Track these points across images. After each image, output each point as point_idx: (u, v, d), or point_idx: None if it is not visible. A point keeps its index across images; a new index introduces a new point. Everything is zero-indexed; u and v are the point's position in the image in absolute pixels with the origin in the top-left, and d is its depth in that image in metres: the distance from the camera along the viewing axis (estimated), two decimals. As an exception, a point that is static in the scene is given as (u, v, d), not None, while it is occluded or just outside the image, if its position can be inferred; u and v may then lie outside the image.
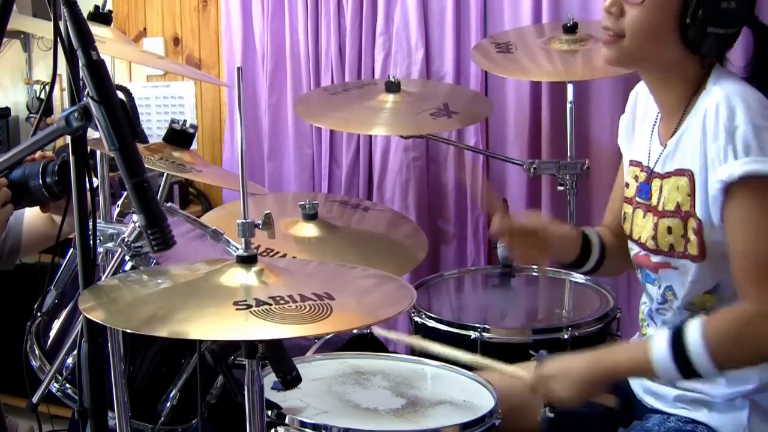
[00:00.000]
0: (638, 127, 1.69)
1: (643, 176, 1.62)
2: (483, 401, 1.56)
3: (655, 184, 1.57)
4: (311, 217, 2.27)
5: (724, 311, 1.47)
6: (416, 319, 2.11)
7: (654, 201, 1.57)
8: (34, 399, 1.66)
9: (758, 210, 1.41)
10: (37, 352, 1.81)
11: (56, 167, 1.63)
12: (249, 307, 1.17)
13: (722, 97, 1.44)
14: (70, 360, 1.73)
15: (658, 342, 1.44)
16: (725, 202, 1.42)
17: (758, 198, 1.41)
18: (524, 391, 1.68)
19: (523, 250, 1.72)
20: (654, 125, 1.63)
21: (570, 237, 1.73)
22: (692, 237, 1.49)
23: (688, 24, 1.44)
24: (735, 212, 1.42)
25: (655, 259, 1.58)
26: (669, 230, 1.52)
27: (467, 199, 2.90)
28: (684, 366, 1.41)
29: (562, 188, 2.45)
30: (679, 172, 1.51)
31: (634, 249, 1.65)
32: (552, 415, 1.66)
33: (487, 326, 2.01)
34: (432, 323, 2.08)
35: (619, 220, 1.71)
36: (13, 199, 1.66)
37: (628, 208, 1.66)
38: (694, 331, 1.41)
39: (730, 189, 1.41)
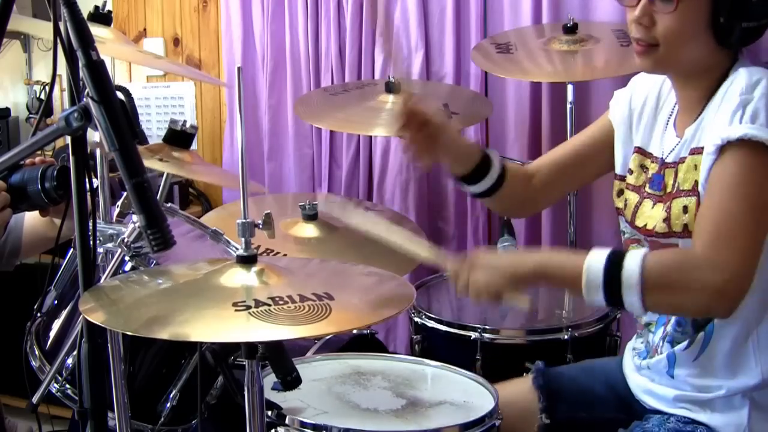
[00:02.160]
0: (647, 116, 1.67)
1: (654, 167, 1.61)
2: (483, 402, 1.56)
3: (669, 173, 1.56)
4: (311, 217, 2.27)
5: (672, 250, 1.46)
6: (416, 319, 2.11)
7: (669, 188, 1.56)
8: (34, 399, 1.66)
9: (743, 170, 1.40)
10: (37, 352, 1.81)
11: (55, 172, 1.63)
12: (248, 308, 1.17)
13: (745, 74, 1.45)
14: (70, 360, 1.73)
15: (595, 255, 1.41)
16: (716, 160, 1.42)
17: (748, 160, 1.40)
18: (522, 395, 1.69)
19: (414, 137, 1.64)
20: (670, 116, 1.62)
21: (468, 147, 1.71)
22: None
23: (722, 23, 1.44)
24: (720, 169, 1.42)
25: (665, 242, 1.55)
26: (685, 209, 1.49)
27: (467, 199, 2.90)
28: (611, 285, 1.38)
29: (562, 188, 2.45)
30: (695, 151, 1.50)
31: (632, 234, 1.63)
32: (548, 421, 1.66)
33: (486, 327, 2.01)
34: (432, 323, 2.08)
35: (555, 169, 1.73)
36: (11, 203, 1.66)
37: (632, 196, 1.64)
38: (635, 254, 1.39)
39: (724, 149, 1.41)
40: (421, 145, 1.65)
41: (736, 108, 1.41)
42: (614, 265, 1.39)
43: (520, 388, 1.74)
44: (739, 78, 1.45)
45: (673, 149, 1.57)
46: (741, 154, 1.40)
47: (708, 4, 1.45)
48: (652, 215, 1.58)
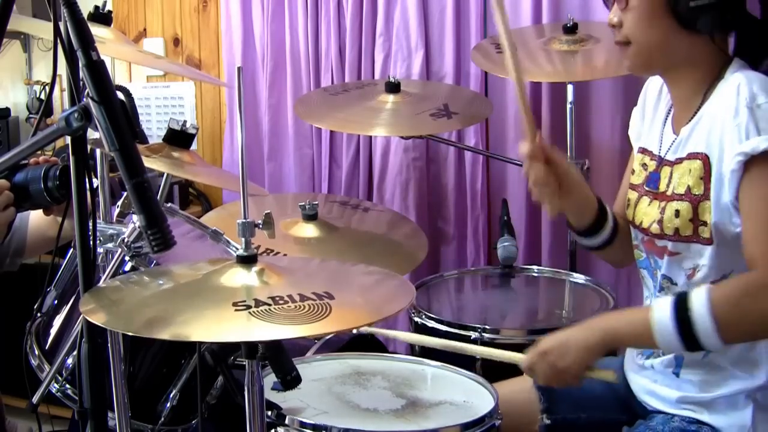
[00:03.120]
0: (648, 117, 1.70)
1: (653, 165, 1.62)
2: (483, 402, 1.56)
3: (665, 171, 1.57)
4: (311, 217, 2.27)
5: (733, 279, 1.45)
6: (416, 319, 2.11)
7: (663, 187, 1.57)
8: (34, 399, 1.66)
9: None
10: (37, 352, 1.81)
11: (58, 172, 1.64)
12: (248, 307, 1.17)
13: (743, 80, 1.45)
14: (70, 360, 1.73)
15: (660, 305, 1.41)
16: (743, 175, 1.41)
17: None
18: (523, 396, 1.69)
19: (542, 176, 1.58)
20: (667, 115, 1.63)
21: (590, 197, 1.68)
22: (709, 220, 1.47)
23: (674, 4, 1.46)
24: (754, 184, 1.41)
25: (658, 243, 1.57)
26: (677, 214, 1.51)
27: (467, 199, 2.90)
28: (686, 332, 1.37)
29: (562, 188, 2.45)
30: (692, 156, 1.50)
31: (636, 235, 1.65)
32: (549, 422, 1.66)
33: (486, 327, 2.01)
34: (432, 323, 2.08)
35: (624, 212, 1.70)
36: (15, 202, 1.66)
37: (633, 195, 1.66)
38: (699, 295, 1.38)
39: (750, 162, 1.40)
40: (549, 185, 1.59)
41: (748, 121, 1.40)
42: (682, 312, 1.38)
43: (521, 388, 1.74)
44: (741, 87, 1.44)
45: (671, 147, 1.58)
46: None
47: None
48: (648, 212, 1.59)
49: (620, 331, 1.48)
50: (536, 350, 1.51)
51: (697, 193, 1.49)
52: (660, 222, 1.54)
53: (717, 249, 1.48)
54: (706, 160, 1.48)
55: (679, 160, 1.54)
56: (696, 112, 1.53)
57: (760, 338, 1.46)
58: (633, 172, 1.69)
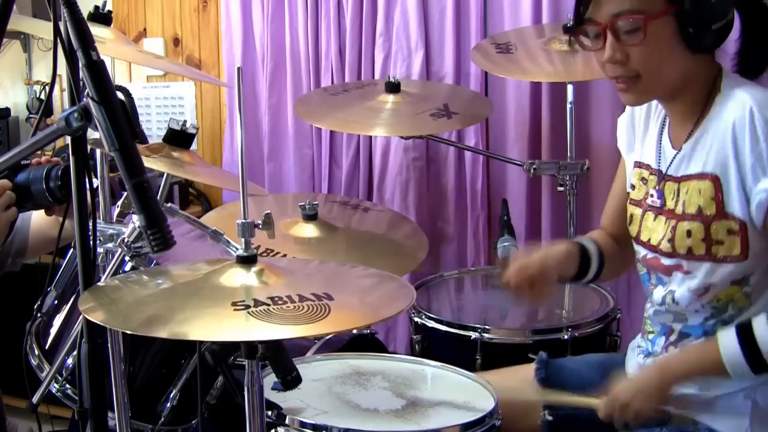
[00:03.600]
0: (640, 130, 1.68)
1: (653, 180, 1.61)
2: (483, 402, 1.56)
3: (669, 187, 1.57)
4: (311, 217, 2.27)
5: None
6: (416, 319, 2.12)
7: (670, 204, 1.56)
8: (34, 399, 1.66)
9: None
10: (36, 352, 1.81)
11: (60, 172, 1.64)
12: (247, 307, 1.17)
13: (753, 102, 1.43)
14: (70, 360, 1.73)
15: (725, 338, 1.46)
16: None
17: None
18: (525, 395, 1.69)
19: (532, 293, 1.67)
20: (663, 128, 1.62)
21: (568, 256, 1.71)
22: (725, 237, 1.48)
23: (692, 32, 1.44)
24: None
25: (666, 261, 1.57)
26: (688, 233, 1.51)
27: (467, 199, 2.90)
28: (754, 359, 1.43)
29: (562, 188, 2.45)
30: (701, 176, 1.50)
31: (641, 252, 1.64)
32: (551, 418, 1.66)
33: (486, 327, 2.01)
34: (432, 323, 2.08)
35: (618, 221, 1.71)
36: (17, 202, 1.66)
37: (636, 210, 1.65)
38: (761, 322, 1.44)
39: None
40: (542, 291, 1.66)
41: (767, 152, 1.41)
42: (748, 341, 1.43)
43: (522, 384, 1.74)
44: (746, 103, 1.43)
45: (672, 162, 1.57)
46: None
47: (673, 20, 1.44)
48: (654, 229, 1.59)
49: (693, 374, 1.52)
50: (614, 401, 1.52)
51: (708, 214, 1.48)
52: (671, 240, 1.54)
53: (749, 261, 1.49)
54: (716, 181, 1.47)
55: (686, 178, 1.53)
56: (696, 126, 1.52)
57: None
58: (633, 188, 1.67)
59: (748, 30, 1.53)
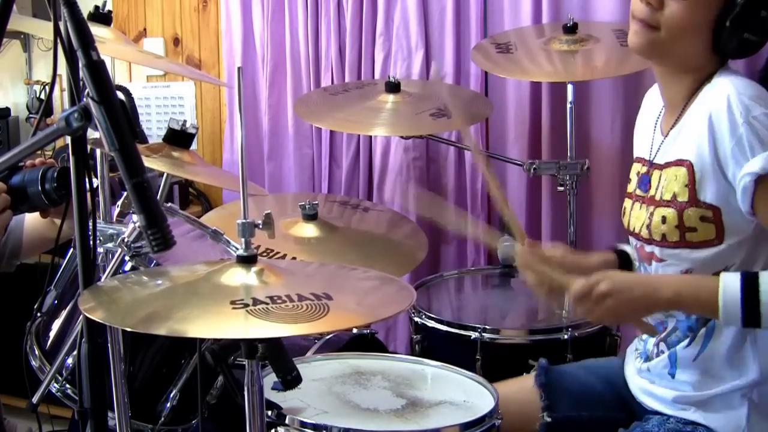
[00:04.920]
0: (642, 127, 1.71)
1: (644, 169, 1.63)
2: (483, 401, 1.56)
3: (655, 175, 1.58)
4: (311, 217, 2.27)
5: None
6: (416, 319, 2.12)
7: (652, 192, 1.58)
8: (34, 399, 1.66)
9: None
10: (37, 352, 1.81)
11: (55, 174, 1.63)
12: (246, 306, 1.17)
13: (730, 89, 1.44)
14: (70, 360, 1.73)
15: (728, 280, 1.41)
16: (757, 192, 1.42)
17: None
18: (524, 394, 1.69)
19: (543, 282, 1.58)
20: (657, 119, 1.64)
21: (607, 261, 1.69)
22: (698, 224, 1.48)
23: (727, 27, 1.45)
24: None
25: (648, 249, 1.58)
26: (663, 220, 1.52)
27: (467, 199, 2.90)
28: (750, 309, 1.39)
29: (562, 188, 2.45)
30: (678, 163, 1.51)
31: (632, 241, 1.66)
32: (550, 419, 1.66)
33: (487, 326, 2.01)
34: (432, 323, 2.08)
35: None
36: (12, 204, 1.65)
37: (628, 203, 1.67)
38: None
39: (762, 180, 1.41)
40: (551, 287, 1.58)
41: (748, 135, 1.41)
42: (750, 290, 1.40)
43: (522, 387, 1.75)
44: (732, 98, 1.44)
45: (659, 149, 1.59)
46: None
47: (719, 5, 1.45)
48: (638, 217, 1.60)
49: (685, 299, 1.46)
50: (595, 288, 1.45)
51: (681, 200, 1.50)
52: (648, 227, 1.55)
53: (724, 246, 1.48)
54: (690, 168, 1.48)
55: (667, 165, 1.55)
56: (682, 113, 1.54)
57: None
58: (630, 181, 1.69)
59: None
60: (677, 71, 1.55)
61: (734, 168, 1.43)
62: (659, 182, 1.56)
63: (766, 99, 1.44)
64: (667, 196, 1.52)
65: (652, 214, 1.55)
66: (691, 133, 1.50)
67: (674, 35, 1.49)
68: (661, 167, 1.56)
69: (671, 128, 1.56)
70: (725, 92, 1.45)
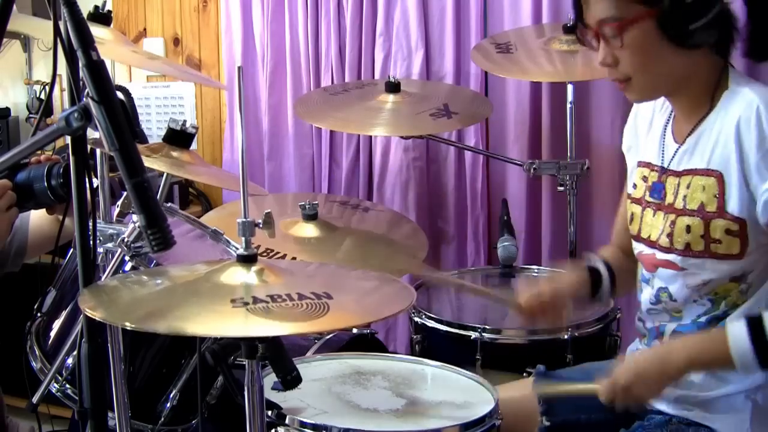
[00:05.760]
0: (643, 131, 1.69)
1: (654, 176, 1.61)
2: (483, 402, 1.56)
3: (671, 182, 1.57)
4: (311, 217, 2.27)
5: None
6: (416, 319, 2.12)
7: (670, 199, 1.56)
8: (34, 399, 1.66)
9: None
10: (37, 352, 1.81)
11: (61, 170, 1.63)
12: (246, 304, 1.18)
13: (761, 101, 1.43)
14: (70, 360, 1.73)
15: (735, 330, 1.43)
16: None
17: None
18: (523, 398, 1.69)
19: (545, 319, 1.79)
20: (667, 124, 1.62)
21: (579, 282, 1.76)
22: (723, 237, 1.48)
23: (675, 33, 1.45)
24: None
25: (661, 256, 1.57)
26: (688, 229, 1.51)
27: (467, 199, 2.90)
28: (763, 352, 1.40)
29: (562, 188, 2.45)
30: (706, 173, 1.50)
31: (638, 248, 1.64)
32: (549, 423, 1.66)
33: (486, 326, 2.01)
34: (432, 323, 2.08)
35: (629, 238, 1.69)
36: (18, 202, 1.65)
37: (636, 208, 1.65)
38: None
39: None
40: (557, 316, 1.79)
41: None
42: (758, 334, 1.41)
43: (521, 391, 1.74)
44: (752, 102, 1.43)
45: (674, 156, 1.57)
46: None
47: (653, 25, 1.45)
48: (654, 224, 1.59)
49: (697, 363, 1.50)
50: (615, 385, 1.51)
51: (710, 210, 1.48)
52: (670, 235, 1.54)
53: (746, 258, 1.49)
54: (720, 178, 1.47)
55: (687, 172, 1.53)
56: (700, 121, 1.52)
57: None
58: (635, 186, 1.67)
59: (752, 15, 1.52)
60: (679, 85, 1.54)
61: (757, 180, 1.43)
62: (677, 189, 1.54)
63: None
64: (693, 206, 1.51)
65: (674, 222, 1.53)
66: (714, 142, 1.48)
67: (644, 73, 1.50)
68: (679, 174, 1.54)
69: (688, 135, 1.54)
70: (754, 103, 1.44)
